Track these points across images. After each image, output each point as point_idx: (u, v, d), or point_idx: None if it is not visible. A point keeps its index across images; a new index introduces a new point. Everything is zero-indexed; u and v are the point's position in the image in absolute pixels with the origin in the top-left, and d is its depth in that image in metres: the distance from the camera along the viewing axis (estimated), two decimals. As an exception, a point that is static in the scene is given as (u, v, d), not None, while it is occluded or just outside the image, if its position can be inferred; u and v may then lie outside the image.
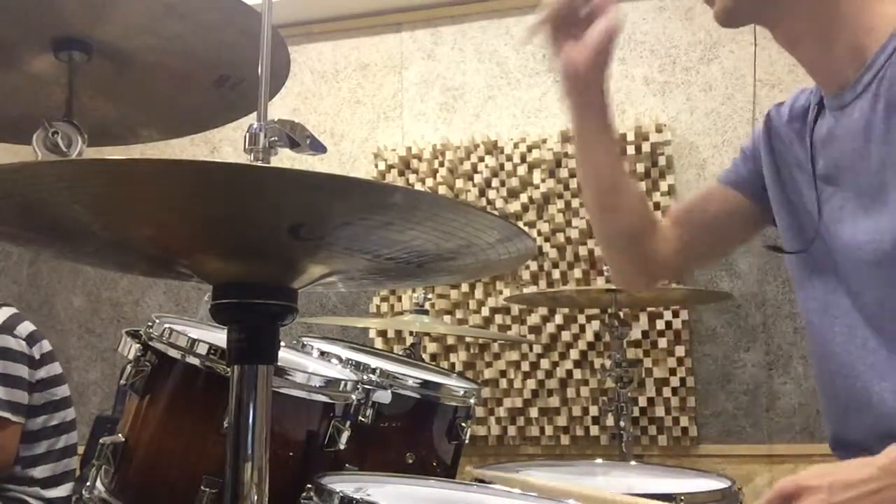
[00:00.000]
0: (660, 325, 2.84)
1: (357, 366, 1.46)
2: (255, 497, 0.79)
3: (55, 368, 2.06)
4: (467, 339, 3.02)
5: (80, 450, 2.24)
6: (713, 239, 1.34)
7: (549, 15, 1.13)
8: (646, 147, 2.92)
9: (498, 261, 0.82)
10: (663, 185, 2.91)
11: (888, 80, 1.00)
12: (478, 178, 3.07)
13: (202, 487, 1.16)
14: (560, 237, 2.95)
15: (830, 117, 1.11)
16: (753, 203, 1.28)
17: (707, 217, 1.32)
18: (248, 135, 0.98)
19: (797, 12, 1.08)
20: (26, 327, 2.02)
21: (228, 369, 0.81)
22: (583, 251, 2.92)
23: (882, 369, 1.03)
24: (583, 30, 1.12)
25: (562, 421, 2.89)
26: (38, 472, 2.00)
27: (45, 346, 2.05)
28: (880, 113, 1.01)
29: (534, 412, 2.92)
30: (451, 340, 3.03)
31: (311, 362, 1.51)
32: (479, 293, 3.00)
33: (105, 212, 0.71)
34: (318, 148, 1.00)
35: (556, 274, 2.95)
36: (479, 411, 2.89)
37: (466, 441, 1.58)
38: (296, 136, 0.98)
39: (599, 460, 1.92)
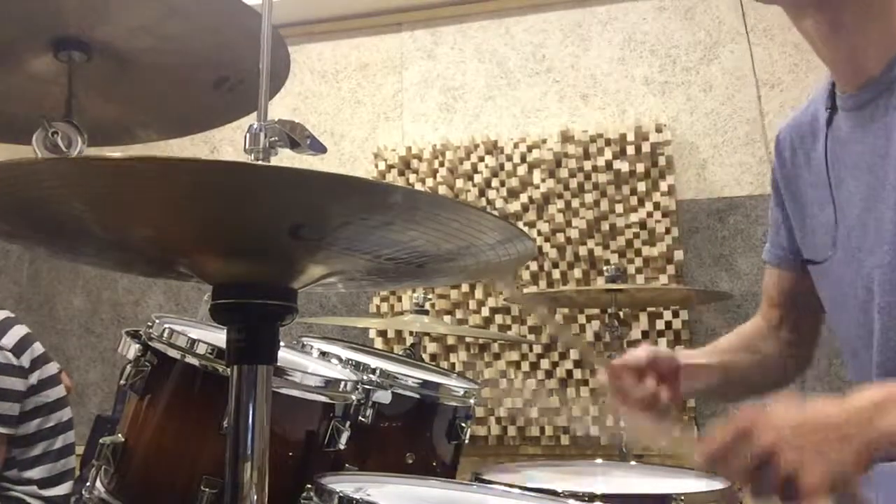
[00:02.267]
0: (660, 325, 2.84)
1: (357, 366, 1.46)
2: (255, 497, 0.78)
3: (48, 370, 2.05)
4: (467, 339, 3.02)
5: (80, 450, 2.23)
6: (806, 314, 1.33)
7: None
8: (646, 147, 2.92)
9: (498, 262, 0.81)
10: (663, 185, 2.91)
11: None
12: (478, 178, 3.07)
13: (202, 487, 1.16)
14: (560, 237, 2.95)
15: (847, 118, 1.09)
16: (803, 273, 1.26)
17: (788, 304, 1.34)
18: (248, 135, 0.98)
19: (843, 5, 1.03)
20: (15, 334, 1.98)
21: (228, 369, 0.81)
22: (583, 251, 2.92)
23: None
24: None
25: (562, 421, 2.89)
26: (36, 473, 2.00)
27: (37, 349, 2.03)
28: None
29: (534, 412, 2.92)
30: (451, 340, 3.03)
31: (310, 362, 1.50)
32: (479, 293, 3.00)
33: (105, 211, 0.70)
34: (318, 148, 1.00)
35: (556, 274, 2.95)
36: (479, 411, 2.89)
37: (466, 441, 1.58)
38: (296, 136, 0.98)
39: (599, 460, 1.92)
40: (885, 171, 1.02)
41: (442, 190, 3.06)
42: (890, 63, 1.02)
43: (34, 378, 2.00)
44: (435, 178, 3.11)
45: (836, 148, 1.11)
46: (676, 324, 2.83)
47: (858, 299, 1.08)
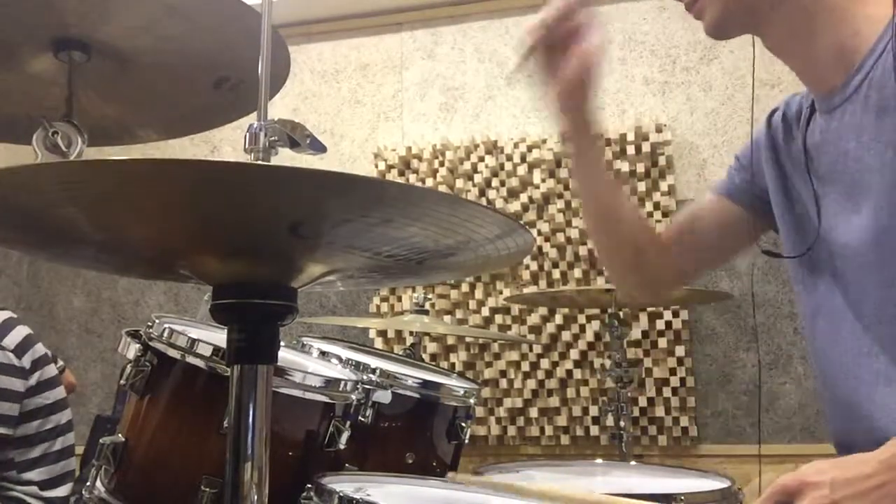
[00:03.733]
0: (660, 325, 2.84)
1: (357, 366, 1.46)
2: (255, 497, 0.79)
3: (49, 371, 2.05)
4: (467, 339, 3.02)
5: (80, 450, 2.23)
6: (711, 250, 1.35)
7: (538, 38, 1.19)
8: (646, 147, 2.92)
9: (497, 257, 0.82)
10: (663, 185, 2.91)
11: (877, 81, 1.00)
12: (478, 178, 3.07)
13: (202, 487, 1.16)
14: (560, 237, 2.95)
15: (822, 120, 1.11)
16: (747, 212, 1.28)
17: (703, 228, 1.33)
18: (248, 134, 0.98)
19: (782, 20, 1.09)
20: (17, 335, 1.98)
21: (228, 369, 0.81)
22: (583, 251, 2.92)
23: (884, 375, 1.02)
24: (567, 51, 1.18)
25: (562, 421, 2.89)
26: (36, 475, 1.99)
27: (39, 350, 2.03)
28: (871, 114, 1.01)
29: (534, 412, 2.92)
30: (451, 340, 3.03)
31: (311, 362, 1.50)
32: (479, 293, 3.00)
33: (103, 213, 0.70)
34: (318, 148, 1.00)
35: (556, 274, 2.95)
36: (479, 411, 2.89)
37: (466, 441, 1.58)
38: (296, 136, 0.98)
39: (599, 460, 1.92)
40: (860, 174, 1.03)
41: (442, 190, 3.06)
42: (850, 74, 1.04)
43: (34, 379, 2.00)
44: (435, 178, 3.11)
45: (813, 147, 1.13)
46: (676, 324, 2.83)
47: (836, 304, 1.09)
